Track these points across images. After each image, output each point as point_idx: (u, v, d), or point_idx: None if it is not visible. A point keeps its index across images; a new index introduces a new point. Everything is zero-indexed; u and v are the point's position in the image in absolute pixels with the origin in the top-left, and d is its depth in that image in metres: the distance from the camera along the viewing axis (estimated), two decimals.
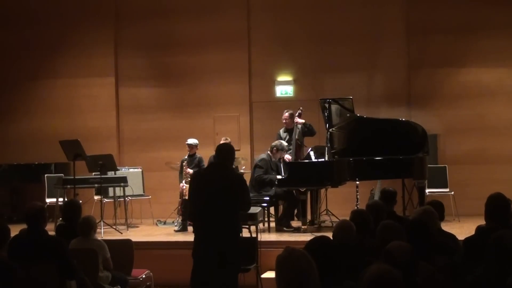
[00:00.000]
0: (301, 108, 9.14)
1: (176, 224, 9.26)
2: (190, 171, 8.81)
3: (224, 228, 4.73)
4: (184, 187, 8.83)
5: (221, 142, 9.37)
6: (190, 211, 5.14)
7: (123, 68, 11.37)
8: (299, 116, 9.06)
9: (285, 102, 10.49)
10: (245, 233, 6.86)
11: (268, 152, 8.76)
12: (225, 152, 5.00)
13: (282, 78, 11.01)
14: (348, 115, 8.47)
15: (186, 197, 8.75)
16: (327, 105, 8.55)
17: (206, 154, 9.81)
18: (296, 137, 9.00)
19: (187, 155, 8.98)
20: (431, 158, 9.10)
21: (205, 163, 8.92)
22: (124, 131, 11.39)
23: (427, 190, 9.01)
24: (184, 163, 8.91)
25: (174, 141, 10.85)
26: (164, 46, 11.24)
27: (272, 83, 11.00)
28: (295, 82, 10.96)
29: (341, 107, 8.56)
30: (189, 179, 8.76)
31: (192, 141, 9.01)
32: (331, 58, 10.74)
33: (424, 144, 8.40)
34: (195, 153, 9.04)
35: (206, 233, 4.76)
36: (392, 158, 8.18)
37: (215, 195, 4.75)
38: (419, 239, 4.04)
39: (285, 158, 8.86)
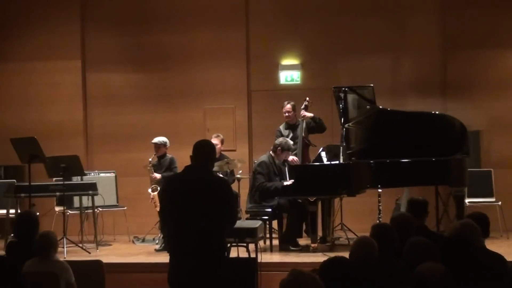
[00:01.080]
0: (307, 98, 9.14)
1: (157, 241, 9.23)
2: (157, 176, 8.84)
3: (206, 248, 4.66)
4: (151, 196, 8.83)
5: (212, 139, 9.48)
6: (163, 225, 5.09)
7: (91, 49, 11.34)
8: (306, 108, 9.05)
9: (291, 91, 10.49)
10: (242, 253, 6.86)
11: (270, 152, 8.74)
12: (204, 151, 4.88)
13: (287, 61, 10.99)
14: (368, 107, 8.48)
15: (157, 209, 8.76)
16: (342, 95, 8.56)
17: None
18: (303, 134, 8.97)
19: (152, 156, 8.97)
20: (472, 160, 9.08)
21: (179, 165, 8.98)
22: (93, 127, 11.37)
23: (467, 200, 8.98)
24: (148, 167, 8.90)
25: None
26: (143, 22, 11.21)
27: (275, 67, 10.99)
28: (303, 66, 10.95)
29: (360, 97, 8.57)
30: (155, 186, 8.77)
31: (158, 139, 9.04)
32: (347, 37, 10.72)
33: (463, 143, 8.42)
34: (165, 153, 9.06)
35: (184, 254, 4.71)
36: (423, 161, 8.19)
37: (193, 205, 4.66)
38: (457, 260, 4.03)
39: (289, 160, 8.84)
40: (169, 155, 9.10)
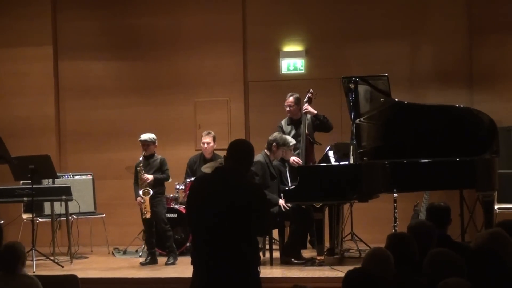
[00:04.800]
0: (311, 90, 9.16)
1: (140, 253, 9.24)
2: (150, 177, 8.81)
3: (235, 260, 4.69)
4: (142, 201, 8.81)
5: (203, 137, 9.47)
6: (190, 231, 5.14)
7: (64, 34, 11.34)
8: (309, 101, 9.06)
9: (294, 82, 10.51)
10: None
11: (265, 151, 8.71)
12: (240, 152, 4.92)
13: (289, 48, 11.00)
14: (382, 100, 8.48)
15: (147, 216, 8.76)
16: (352, 86, 8.55)
17: (185, 155, 9.77)
18: (306, 131, 8.96)
19: (141, 156, 8.98)
20: (502, 161, 9.05)
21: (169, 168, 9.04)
22: (66, 123, 11.37)
23: (496, 206, 9.00)
24: (138, 167, 8.90)
25: (138, 137, 10.78)
26: (124, 4, 11.23)
27: (276, 55, 11.01)
28: (308, 53, 10.96)
29: (373, 89, 8.57)
30: (146, 189, 8.76)
31: (148, 136, 9.05)
32: (359, 20, 10.73)
33: (491, 141, 8.40)
34: (154, 153, 9.06)
35: (209, 266, 4.73)
36: (446, 161, 8.19)
37: (222, 213, 4.69)
38: (484, 275, 4.02)
39: (291, 160, 8.82)
40: (158, 156, 9.10)
